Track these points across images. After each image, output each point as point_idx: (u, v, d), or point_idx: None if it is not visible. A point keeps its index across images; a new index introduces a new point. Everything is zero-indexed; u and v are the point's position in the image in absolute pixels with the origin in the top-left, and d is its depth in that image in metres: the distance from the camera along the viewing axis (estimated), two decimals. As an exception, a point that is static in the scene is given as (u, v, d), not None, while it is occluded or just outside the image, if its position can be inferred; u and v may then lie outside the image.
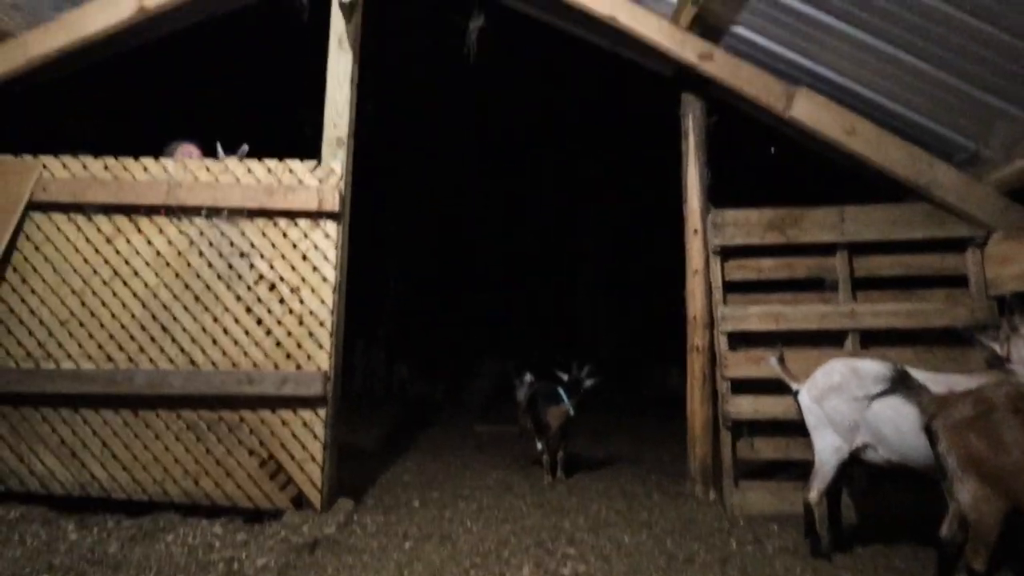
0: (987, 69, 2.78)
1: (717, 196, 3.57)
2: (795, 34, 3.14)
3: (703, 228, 3.50)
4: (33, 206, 3.16)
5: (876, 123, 3.27)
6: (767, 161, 3.82)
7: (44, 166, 3.20)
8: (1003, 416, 2.06)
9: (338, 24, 3.27)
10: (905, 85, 3.07)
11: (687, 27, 3.31)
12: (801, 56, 3.24)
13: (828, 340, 3.37)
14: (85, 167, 3.21)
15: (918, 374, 2.65)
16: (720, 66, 3.34)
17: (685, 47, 3.34)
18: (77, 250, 3.17)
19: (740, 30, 3.30)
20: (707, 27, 3.34)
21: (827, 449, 2.80)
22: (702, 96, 3.59)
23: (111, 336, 3.13)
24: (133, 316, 3.14)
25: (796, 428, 3.12)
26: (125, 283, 3.16)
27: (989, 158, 3.12)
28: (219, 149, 3.30)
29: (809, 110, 3.28)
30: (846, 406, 2.71)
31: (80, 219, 3.18)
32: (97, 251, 3.17)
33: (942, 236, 3.29)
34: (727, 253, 3.50)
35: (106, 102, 4.21)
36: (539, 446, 3.87)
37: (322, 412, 3.09)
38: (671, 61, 3.45)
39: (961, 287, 3.30)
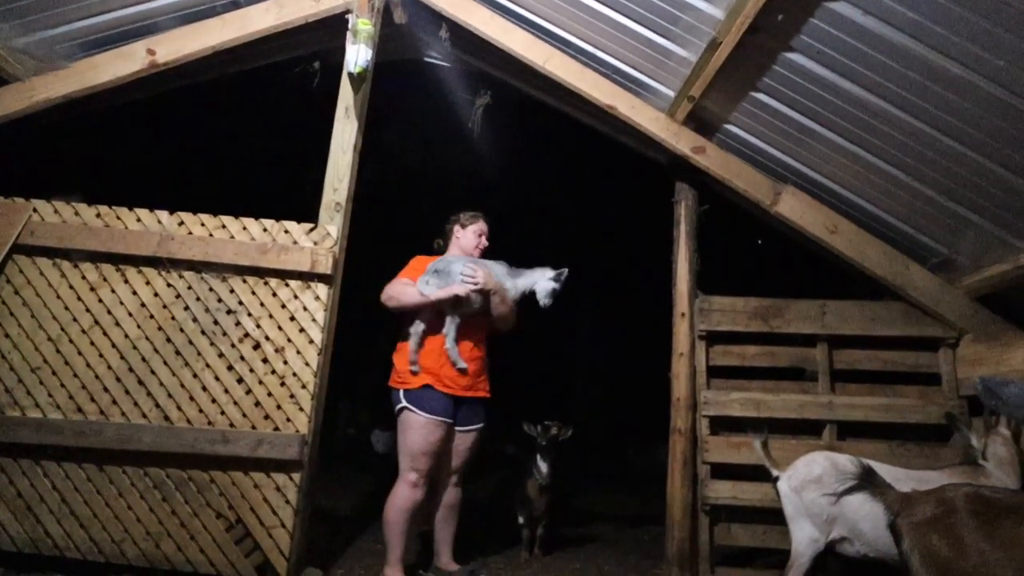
0: (957, 182, 2.96)
1: (705, 282, 3.66)
2: (783, 136, 3.31)
3: (690, 312, 3.58)
4: (18, 249, 3.09)
5: (857, 223, 3.43)
6: (754, 250, 3.95)
7: (35, 209, 3.16)
8: (963, 518, 2.10)
9: (346, 93, 3.35)
10: (883, 191, 3.25)
11: (682, 121, 3.47)
12: (788, 156, 3.41)
13: (806, 429, 3.43)
14: (77, 213, 3.17)
15: (891, 470, 2.72)
16: (712, 159, 3.49)
17: (680, 139, 3.50)
18: (58, 296, 3.09)
19: (732, 128, 3.47)
20: (701, 122, 3.51)
21: (804, 540, 2.81)
22: (695, 185, 3.73)
23: (83, 386, 3.03)
24: (109, 367, 3.05)
25: (774, 516, 3.13)
26: (105, 333, 3.08)
27: (960, 264, 3.29)
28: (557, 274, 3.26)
29: (794, 207, 3.44)
30: (824, 499, 2.74)
31: (65, 265, 3.11)
32: (79, 298, 3.09)
33: (917, 335, 3.42)
34: (712, 338, 3.58)
35: (106, 148, 4.21)
36: (520, 519, 3.81)
37: (297, 476, 3.00)
38: (666, 151, 3.60)
39: (934, 385, 3.41)
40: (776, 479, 2.96)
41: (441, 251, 3.39)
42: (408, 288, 3.11)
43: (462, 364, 3.07)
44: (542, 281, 3.25)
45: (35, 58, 3.28)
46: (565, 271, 3.26)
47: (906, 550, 2.19)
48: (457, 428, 3.16)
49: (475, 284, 3.06)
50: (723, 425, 3.50)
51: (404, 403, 3.05)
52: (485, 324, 3.22)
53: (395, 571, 3.03)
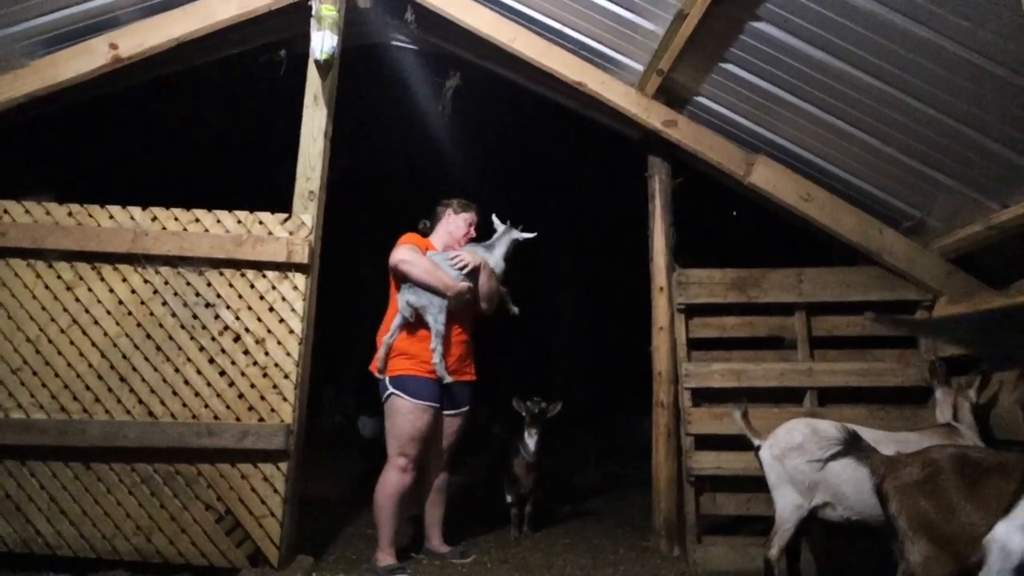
0: (927, 145, 2.97)
1: (682, 255, 3.68)
2: (754, 105, 3.31)
3: (668, 286, 3.60)
4: (-10, 251, 3.09)
5: (830, 190, 3.45)
6: (730, 221, 3.97)
7: (5, 211, 3.13)
8: (949, 479, 2.12)
9: (314, 80, 3.33)
10: (855, 157, 3.26)
11: (652, 95, 3.46)
12: (759, 126, 3.41)
13: (788, 397, 3.47)
14: (48, 212, 3.15)
15: (871, 432, 2.75)
16: (684, 132, 3.49)
17: (650, 113, 3.49)
18: (34, 297, 3.07)
19: (703, 100, 3.46)
20: (671, 95, 3.50)
21: (788, 507, 2.85)
22: (668, 159, 3.74)
23: (65, 386, 3.03)
24: (90, 365, 3.05)
25: (758, 484, 3.17)
26: (84, 331, 3.07)
27: (933, 226, 3.30)
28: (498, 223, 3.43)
29: (767, 176, 3.44)
30: (806, 465, 2.77)
31: (40, 265, 3.09)
32: (56, 298, 3.08)
33: (893, 299, 3.45)
34: (691, 311, 3.59)
35: (75, 146, 4.17)
36: (508, 498, 3.85)
37: (284, 466, 3.03)
38: (638, 126, 3.60)
39: (911, 348, 3.45)
40: (758, 448, 2.98)
41: (427, 232, 3.39)
42: (424, 260, 3.11)
43: (448, 379, 3.07)
44: (518, 235, 3.39)
45: (-6, 57, 3.24)
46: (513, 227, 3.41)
47: (893, 513, 2.21)
48: (444, 412, 3.19)
49: (467, 265, 3.11)
50: (705, 397, 3.53)
51: (391, 389, 3.07)
52: (471, 307, 3.23)
53: (386, 555, 3.07)
